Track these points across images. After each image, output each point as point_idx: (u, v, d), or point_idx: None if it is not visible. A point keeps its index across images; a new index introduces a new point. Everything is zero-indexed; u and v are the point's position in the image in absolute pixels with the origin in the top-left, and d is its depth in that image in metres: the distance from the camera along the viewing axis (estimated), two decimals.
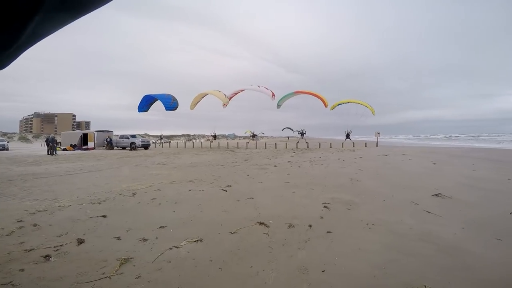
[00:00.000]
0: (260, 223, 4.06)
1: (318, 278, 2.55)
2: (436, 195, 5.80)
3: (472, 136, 70.07)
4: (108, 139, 31.27)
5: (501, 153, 18.01)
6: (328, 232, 3.69)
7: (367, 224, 4.01)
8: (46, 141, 24.21)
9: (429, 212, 4.57)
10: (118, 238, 3.58)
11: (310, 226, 3.93)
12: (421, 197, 5.69)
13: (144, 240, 3.50)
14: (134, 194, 6.30)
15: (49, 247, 3.31)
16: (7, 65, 0.74)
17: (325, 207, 4.94)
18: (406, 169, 10.41)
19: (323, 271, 2.67)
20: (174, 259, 2.96)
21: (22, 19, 0.59)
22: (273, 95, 27.07)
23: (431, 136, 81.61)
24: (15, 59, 0.74)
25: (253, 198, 5.69)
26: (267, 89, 27.33)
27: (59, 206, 5.33)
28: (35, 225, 4.21)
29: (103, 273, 2.68)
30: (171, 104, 25.81)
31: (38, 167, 13.62)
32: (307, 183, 7.38)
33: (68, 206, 5.35)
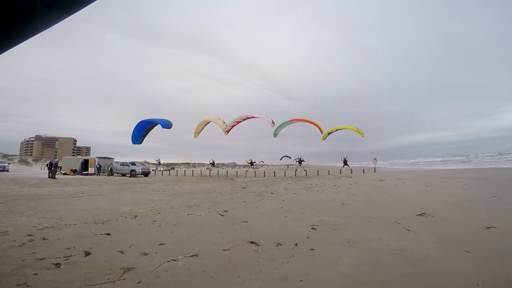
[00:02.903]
0: (251, 242, 4.45)
1: (295, 285, 2.93)
2: (420, 214, 6.18)
3: (469, 157, 70.25)
4: (110, 166, 31.77)
5: (495, 172, 18.37)
6: (311, 249, 4.07)
7: (348, 242, 4.39)
8: (48, 164, 24.69)
9: (408, 230, 4.94)
10: (122, 252, 3.96)
11: (296, 244, 4.31)
12: (405, 216, 6.06)
13: (145, 254, 3.89)
14: (135, 216, 6.68)
15: (59, 257, 3.71)
16: None
17: (312, 228, 5.32)
18: (397, 192, 10.77)
19: (300, 281, 3.05)
20: (171, 269, 3.34)
21: (15, 16, 0.59)
22: (273, 122, 28.00)
23: (430, 159, 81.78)
24: (6, 51, 0.75)
25: (247, 222, 6.07)
26: (267, 117, 28.37)
27: (65, 224, 5.72)
28: (44, 239, 4.61)
29: (108, 279, 3.06)
30: (166, 122, 26.34)
31: (40, 189, 14.03)
32: (300, 208, 7.76)
33: (74, 224, 5.74)
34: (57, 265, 3.44)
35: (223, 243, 4.45)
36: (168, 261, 3.60)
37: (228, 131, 28.79)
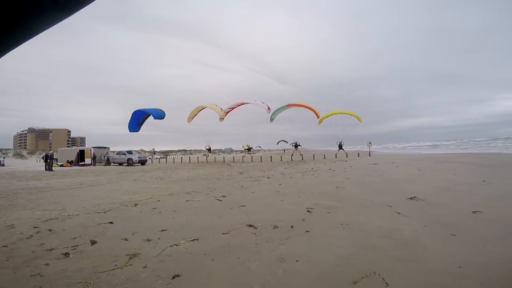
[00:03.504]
0: (249, 225, 4.65)
1: (291, 266, 3.14)
2: (411, 198, 6.40)
3: (462, 141, 71.06)
4: (106, 155, 31.74)
5: (487, 157, 18.77)
6: (307, 231, 4.28)
7: (341, 224, 4.61)
8: (44, 157, 24.65)
9: (399, 213, 5.18)
10: (126, 239, 4.14)
11: (292, 227, 4.52)
12: (396, 200, 6.30)
13: (148, 240, 4.07)
14: (136, 204, 6.85)
15: (67, 247, 3.87)
16: None
17: (308, 211, 5.54)
18: (390, 176, 11.06)
19: (296, 261, 3.25)
20: (174, 254, 3.54)
21: (14, 17, 0.59)
22: (269, 108, 28.01)
23: (421, 144, 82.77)
24: (4, 55, 0.76)
25: (245, 206, 6.27)
26: (263, 103, 28.34)
27: (68, 215, 5.88)
28: (50, 230, 4.77)
29: (116, 265, 3.24)
30: (158, 113, 26.29)
31: (39, 181, 14.11)
32: (296, 192, 7.98)
33: (77, 215, 5.90)
34: (66, 254, 3.60)
35: (222, 227, 4.65)
36: (171, 246, 3.79)
37: (222, 119, 28.78)
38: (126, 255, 3.51)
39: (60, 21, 0.75)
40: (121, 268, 3.17)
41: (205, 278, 2.89)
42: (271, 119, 29.82)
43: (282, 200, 6.82)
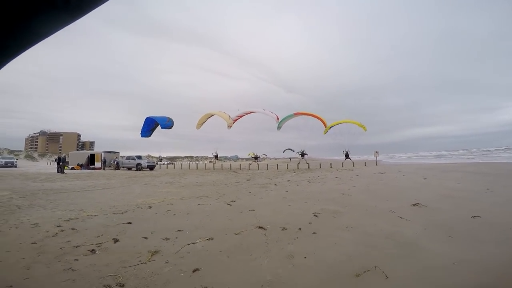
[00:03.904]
0: (259, 227, 4.96)
1: (300, 262, 3.43)
2: (414, 204, 6.63)
3: (471, 151, 69.82)
4: (116, 160, 32.43)
5: (493, 166, 18.77)
6: (314, 233, 4.57)
7: (346, 227, 4.89)
8: (56, 159, 25.35)
9: (401, 218, 5.43)
10: (146, 238, 4.48)
11: (299, 229, 4.81)
12: (400, 206, 6.54)
13: (167, 239, 4.41)
14: (150, 207, 7.21)
15: (92, 244, 4.21)
16: (6, 64, 0.75)
17: (314, 215, 5.82)
18: (396, 184, 11.26)
19: (304, 257, 3.55)
20: (192, 251, 3.86)
21: (24, 18, 0.58)
22: (278, 118, 28.50)
23: (432, 153, 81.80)
24: (14, 58, 0.75)
25: (254, 210, 6.58)
26: (272, 112, 28.87)
27: (87, 215, 6.26)
28: (73, 229, 5.12)
29: (140, 260, 3.57)
30: (166, 122, 26.90)
31: (53, 183, 14.59)
32: (302, 198, 8.27)
33: (95, 215, 6.27)
34: (92, 251, 3.94)
35: (234, 228, 4.96)
36: (188, 244, 4.12)
37: (230, 126, 29.29)
38: (148, 251, 3.85)
39: (72, 22, 0.75)
40: (145, 263, 3.49)
41: (223, 271, 3.20)
42: (279, 127, 30.22)
43: (289, 205, 7.11)
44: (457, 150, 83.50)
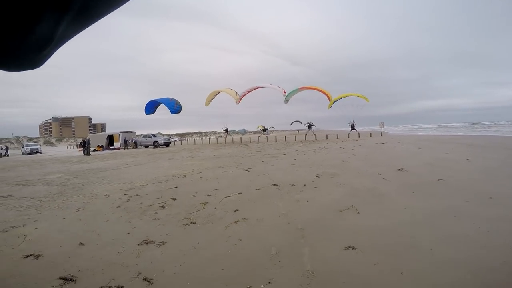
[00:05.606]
0: (274, 184, 6.68)
1: (304, 203, 5.13)
2: (399, 169, 8.13)
3: (479, 124, 68.27)
4: (134, 139, 34.50)
5: (489, 139, 19.20)
6: (315, 187, 6.26)
7: (339, 184, 6.55)
8: (81, 143, 27.48)
9: (384, 179, 7.01)
10: (194, 196, 6.22)
11: (304, 185, 6.50)
12: (386, 171, 8.05)
13: (209, 195, 6.15)
14: (184, 176, 9.01)
15: (158, 203, 5.85)
16: (41, 65, 0.74)
17: (317, 176, 7.50)
18: (391, 153, 12.78)
19: (307, 201, 5.24)
20: (229, 201, 5.60)
21: (55, 20, 0.59)
22: (284, 92, 29.66)
23: (442, 125, 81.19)
24: (48, 58, 0.73)
25: (268, 174, 8.29)
26: (278, 86, 29.99)
27: (140, 185, 8.03)
28: (137, 195, 6.78)
29: (197, 208, 5.29)
30: (175, 107, 28.30)
31: (89, 164, 16.21)
32: (308, 165, 9.94)
33: (146, 185, 8.03)
34: (162, 207, 5.57)
35: (255, 186, 6.69)
36: (225, 197, 5.86)
37: (238, 102, 30.64)
38: (200, 203, 5.58)
39: (86, 27, 0.69)
40: (201, 210, 5.22)
41: (253, 210, 4.93)
42: (286, 101, 31.39)
43: (297, 170, 8.81)
44: (463, 123, 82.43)
